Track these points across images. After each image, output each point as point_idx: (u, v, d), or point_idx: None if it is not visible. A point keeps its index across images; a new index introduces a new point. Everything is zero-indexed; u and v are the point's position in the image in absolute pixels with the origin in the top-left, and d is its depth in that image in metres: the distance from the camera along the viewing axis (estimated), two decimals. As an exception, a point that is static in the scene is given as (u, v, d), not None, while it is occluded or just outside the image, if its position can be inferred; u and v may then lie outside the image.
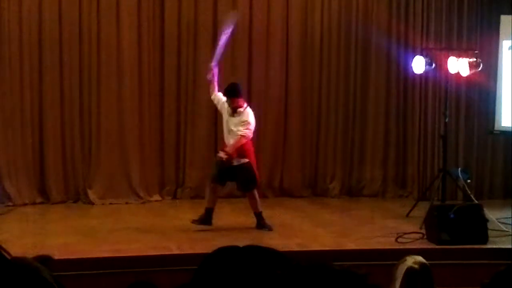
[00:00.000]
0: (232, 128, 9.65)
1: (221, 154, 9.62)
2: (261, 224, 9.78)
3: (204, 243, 8.68)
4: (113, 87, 11.90)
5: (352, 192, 12.76)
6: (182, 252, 8.45)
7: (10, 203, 11.35)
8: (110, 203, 11.66)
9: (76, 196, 11.81)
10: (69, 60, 11.74)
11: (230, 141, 9.67)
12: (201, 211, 9.83)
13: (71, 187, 11.80)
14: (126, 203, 11.72)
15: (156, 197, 12.11)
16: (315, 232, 9.80)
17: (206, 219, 9.75)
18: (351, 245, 8.93)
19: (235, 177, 9.78)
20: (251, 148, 9.87)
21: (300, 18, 12.58)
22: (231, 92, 9.68)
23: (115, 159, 11.90)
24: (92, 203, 11.62)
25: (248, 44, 12.41)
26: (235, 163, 9.64)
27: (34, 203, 11.51)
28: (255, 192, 9.87)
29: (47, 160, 11.70)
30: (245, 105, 9.81)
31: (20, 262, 0.84)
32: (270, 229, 9.69)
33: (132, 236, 9.33)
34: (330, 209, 11.56)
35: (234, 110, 9.65)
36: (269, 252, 1.75)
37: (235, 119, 9.66)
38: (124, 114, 11.93)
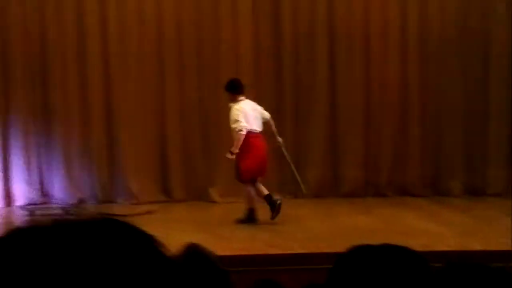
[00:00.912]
0: (230, 125, 9.87)
1: (228, 156, 9.90)
2: (244, 220, 9.98)
3: (326, 242, 8.63)
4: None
5: (475, 191, 12.45)
6: (305, 251, 8.42)
7: (134, 201, 11.64)
8: (232, 202, 11.78)
9: (198, 194, 11.99)
10: (190, 62, 11.95)
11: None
12: (321, 210, 9.79)
13: (193, 186, 11.99)
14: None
15: (277, 196, 12.13)
16: (438, 232, 9.60)
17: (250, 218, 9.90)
18: (477, 246, 8.70)
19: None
20: (252, 143, 9.88)
21: (418, 16, 12.37)
22: (226, 86, 10.03)
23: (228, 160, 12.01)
24: (214, 202, 11.78)
25: (364, 43, 12.29)
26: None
27: (157, 201, 11.74)
28: (248, 186, 10.00)
29: (170, 159, 11.94)
30: (240, 100, 9.90)
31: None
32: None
33: (254, 235, 9.37)
34: (452, 209, 11.31)
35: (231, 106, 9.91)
36: (406, 251, 1.71)
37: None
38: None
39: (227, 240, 8.89)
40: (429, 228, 9.83)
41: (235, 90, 10.00)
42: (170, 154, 11.97)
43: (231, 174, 11.91)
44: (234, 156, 9.84)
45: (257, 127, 10.00)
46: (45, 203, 11.56)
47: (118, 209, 10.64)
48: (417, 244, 8.63)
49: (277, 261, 8.12)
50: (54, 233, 0.89)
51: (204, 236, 9.22)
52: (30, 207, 11.23)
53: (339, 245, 7.92)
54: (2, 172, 11.55)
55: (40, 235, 0.89)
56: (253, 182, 10.06)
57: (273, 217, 9.85)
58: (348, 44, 12.24)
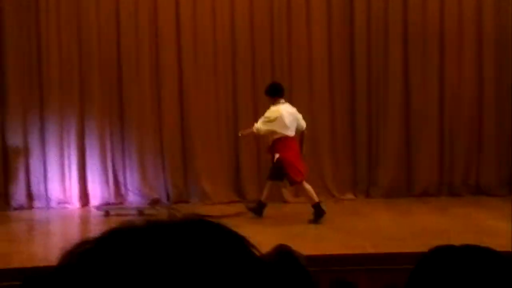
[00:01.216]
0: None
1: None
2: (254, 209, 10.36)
3: (399, 243, 8.57)
4: (304, 87, 12.06)
5: (554, 190, 12.19)
6: (377, 251, 8.36)
7: (207, 201, 11.74)
8: (305, 202, 11.77)
9: (271, 194, 12.00)
10: (261, 64, 12.02)
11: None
12: (394, 210, 9.71)
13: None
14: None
15: (349, 195, 12.12)
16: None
17: (257, 209, 10.37)
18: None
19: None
20: (287, 145, 10.10)
21: (493, 13, 12.16)
22: (267, 90, 10.31)
23: (308, 158, 11.98)
24: (286, 201, 11.80)
25: (439, 42, 12.15)
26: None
27: (230, 202, 11.81)
28: (305, 184, 10.23)
29: (242, 160, 12.01)
30: (281, 103, 10.18)
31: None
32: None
33: (325, 235, 9.36)
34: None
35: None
36: (489, 252, 1.69)
37: None
38: (316, 115, 12.05)
39: (300, 240, 8.88)
40: (506, 228, 9.65)
41: (276, 93, 10.24)
42: (243, 154, 12.04)
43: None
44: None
45: (291, 132, 10.18)
46: (119, 203, 11.74)
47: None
48: (494, 244, 8.50)
49: (350, 261, 8.09)
50: (150, 233, 0.91)
51: (277, 236, 9.24)
52: (105, 207, 11.42)
53: (413, 245, 7.92)
54: (79, 173, 11.76)
55: (137, 235, 0.91)
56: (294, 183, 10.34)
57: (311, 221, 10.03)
58: (421, 44, 12.12)
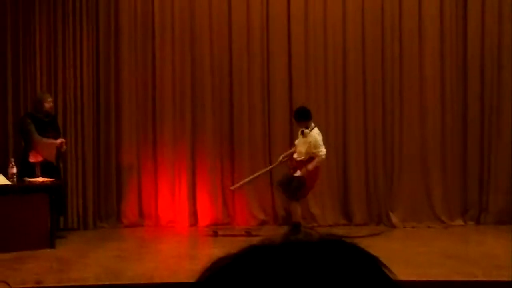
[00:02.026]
0: (302, 148, 10.56)
1: (299, 173, 10.56)
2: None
3: (511, 271, 8.34)
4: (415, 112, 11.95)
5: None
6: (489, 279, 8.17)
7: (315, 224, 11.73)
8: (412, 227, 11.64)
9: (378, 218, 11.93)
10: (372, 85, 11.98)
11: (300, 157, 10.59)
12: (506, 236, 9.47)
13: (374, 210, 11.95)
14: (428, 227, 11.65)
15: (459, 221, 11.89)
16: None
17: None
18: None
19: (290, 185, 10.58)
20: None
21: None
22: (300, 115, 10.65)
23: (417, 183, 11.90)
24: (394, 226, 11.68)
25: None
26: (295, 174, 10.55)
27: (337, 225, 11.77)
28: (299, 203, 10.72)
29: (351, 183, 11.96)
30: (313, 126, 10.70)
31: None
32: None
33: (435, 260, 9.20)
34: None
35: (302, 132, 10.63)
36: None
37: (304, 140, 10.60)
38: (426, 138, 11.93)
39: (410, 266, 8.75)
40: None
41: (309, 117, 10.62)
42: (351, 178, 11.98)
43: (412, 199, 11.83)
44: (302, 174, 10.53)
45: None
46: (228, 223, 11.85)
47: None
48: None
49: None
50: (289, 251, 0.93)
51: (386, 262, 9.14)
52: (214, 227, 11.55)
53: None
54: (189, 193, 11.93)
55: (276, 253, 0.93)
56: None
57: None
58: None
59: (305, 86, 12.02)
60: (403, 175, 11.97)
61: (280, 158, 10.92)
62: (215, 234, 11.08)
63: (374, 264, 0.94)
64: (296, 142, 10.85)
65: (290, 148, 11.04)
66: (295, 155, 10.72)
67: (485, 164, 11.98)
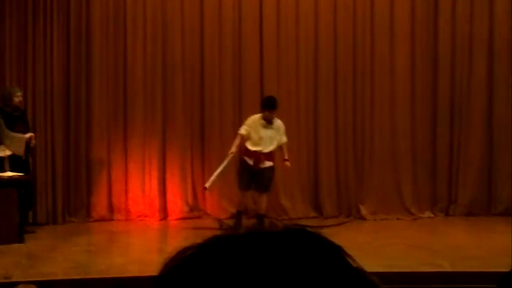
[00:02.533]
0: (273, 139, 10.65)
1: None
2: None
3: (479, 262, 8.43)
4: (385, 105, 12.00)
5: None
6: (457, 270, 8.25)
7: (285, 217, 11.76)
8: (382, 219, 11.71)
9: (348, 211, 11.98)
10: (343, 79, 12.01)
11: (269, 148, 10.64)
12: (474, 228, 9.56)
13: (344, 203, 12.00)
14: (398, 219, 11.71)
15: (428, 213, 11.98)
16: None
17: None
18: None
19: (260, 177, 10.63)
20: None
21: None
22: (272, 105, 10.63)
23: (387, 175, 11.96)
24: (364, 219, 11.75)
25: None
26: (264, 165, 10.59)
27: (307, 217, 11.80)
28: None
29: (321, 176, 12.00)
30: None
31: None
32: None
33: (404, 252, 9.27)
34: None
35: (270, 122, 10.58)
36: None
37: (273, 131, 10.65)
38: (396, 132, 11.99)
39: (378, 257, 8.82)
40: None
41: (277, 107, 10.67)
42: (322, 171, 12.01)
43: (382, 191, 11.90)
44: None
45: None
46: (199, 217, 11.84)
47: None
48: None
49: (429, 280, 8.02)
50: (253, 241, 0.94)
51: (354, 253, 9.19)
52: (184, 221, 11.53)
53: (492, 265, 7.77)
54: (159, 187, 11.90)
55: (239, 242, 0.94)
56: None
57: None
58: (506, 56, 11.88)
59: (277, 80, 12.01)
60: (373, 168, 12.02)
61: (232, 150, 10.72)
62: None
63: (337, 253, 0.95)
64: (251, 134, 10.65)
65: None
66: (258, 148, 10.64)
67: (454, 157, 12.06)
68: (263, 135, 10.64)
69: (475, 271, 7.91)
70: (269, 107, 10.62)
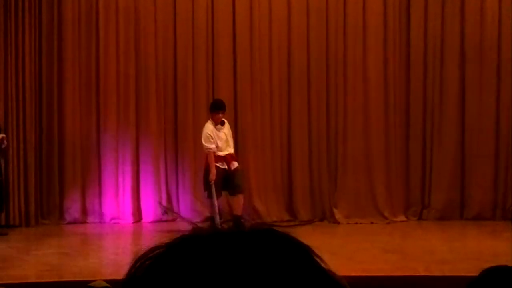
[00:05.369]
0: (229, 139, 10.77)
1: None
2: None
3: (451, 265, 8.48)
4: (358, 109, 12.04)
5: None
6: (430, 274, 8.30)
7: (259, 220, 11.76)
8: (356, 223, 11.74)
9: (322, 215, 12.01)
10: (316, 83, 12.04)
11: (232, 147, 10.83)
12: (447, 232, 9.61)
13: (318, 206, 12.02)
14: (371, 223, 11.75)
15: (401, 217, 12.03)
16: None
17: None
18: None
19: (233, 179, 10.65)
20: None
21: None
22: (223, 107, 10.73)
23: (361, 180, 11.99)
24: (338, 222, 11.77)
25: (497, 59, 12.03)
26: (234, 166, 10.70)
27: (281, 221, 11.80)
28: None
29: (295, 180, 12.02)
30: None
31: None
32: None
33: (377, 256, 9.31)
34: None
35: (223, 123, 10.68)
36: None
37: (226, 130, 10.75)
38: (369, 136, 12.02)
39: (352, 261, 8.85)
40: None
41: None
42: (296, 175, 12.03)
43: (355, 195, 11.94)
44: None
45: None
46: (172, 220, 11.81)
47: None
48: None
49: (402, 284, 8.04)
50: (220, 240, 0.94)
51: (328, 257, 9.21)
52: (158, 224, 11.50)
53: (465, 269, 7.81)
54: (133, 190, 11.86)
55: (206, 242, 0.94)
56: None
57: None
58: (479, 62, 11.96)
59: (250, 83, 12.02)
60: (347, 172, 12.05)
61: (211, 178, 10.54)
62: (159, 230, 11.01)
63: (305, 253, 0.96)
64: (216, 142, 10.58)
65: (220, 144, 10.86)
66: (225, 151, 10.66)
67: (427, 161, 12.12)
68: (223, 138, 10.69)
69: (448, 275, 7.94)
70: (222, 108, 10.67)
